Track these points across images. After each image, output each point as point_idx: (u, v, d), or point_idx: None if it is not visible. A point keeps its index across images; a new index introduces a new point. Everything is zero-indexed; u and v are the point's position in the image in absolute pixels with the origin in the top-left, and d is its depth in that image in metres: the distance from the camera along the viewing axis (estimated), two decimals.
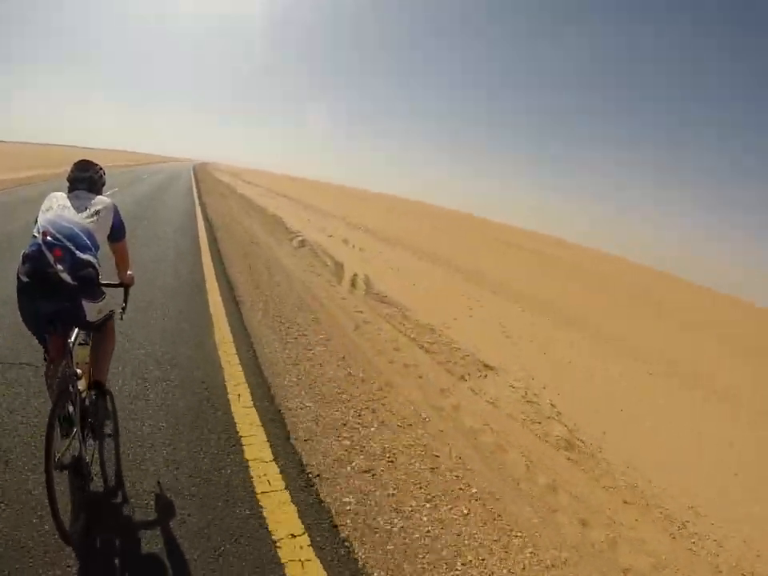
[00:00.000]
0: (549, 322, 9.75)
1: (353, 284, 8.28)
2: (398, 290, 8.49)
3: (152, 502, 2.35)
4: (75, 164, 2.53)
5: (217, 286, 6.44)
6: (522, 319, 9.13)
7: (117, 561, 2.02)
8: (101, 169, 2.60)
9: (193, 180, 32.77)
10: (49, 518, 1.94)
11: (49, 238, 2.06)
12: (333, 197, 50.90)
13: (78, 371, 2.35)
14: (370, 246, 14.40)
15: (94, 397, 2.50)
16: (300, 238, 12.48)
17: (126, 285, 2.69)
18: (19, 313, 2.14)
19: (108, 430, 2.81)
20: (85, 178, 2.48)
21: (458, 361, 5.38)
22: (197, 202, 18.31)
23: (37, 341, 2.28)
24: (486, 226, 61.36)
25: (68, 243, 2.09)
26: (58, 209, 2.25)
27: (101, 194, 2.51)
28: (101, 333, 2.51)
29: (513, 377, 5.38)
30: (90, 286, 2.17)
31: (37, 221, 2.20)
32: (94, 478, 2.37)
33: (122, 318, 2.72)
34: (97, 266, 2.20)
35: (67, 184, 2.49)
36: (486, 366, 5.44)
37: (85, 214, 2.27)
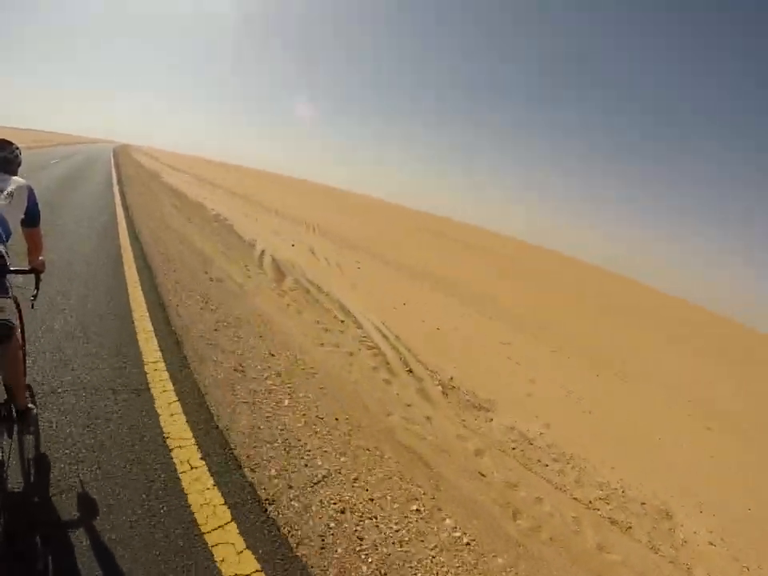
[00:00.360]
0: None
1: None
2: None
3: (74, 499, 2.27)
4: None
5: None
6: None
7: (39, 563, 1.95)
8: (17, 148, 2.44)
9: (112, 164, 27.86)
10: None
11: None
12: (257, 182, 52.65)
13: None
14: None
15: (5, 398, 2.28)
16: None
17: (37, 271, 2.47)
18: None
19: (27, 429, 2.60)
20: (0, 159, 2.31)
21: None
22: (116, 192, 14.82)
23: None
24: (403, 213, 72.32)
25: None
26: None
27: (16, 175, 2.36)
28: (6, 344, 2.14)
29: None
30: None
31: None
32: (9, 476, 2.22)
33: (32, 307, 2.54)
34: (6, 255, 2.04)
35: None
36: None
37: None
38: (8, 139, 2.42)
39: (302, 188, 73.13)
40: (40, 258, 2.54)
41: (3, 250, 2.03)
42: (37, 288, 2.53)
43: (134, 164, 33.89)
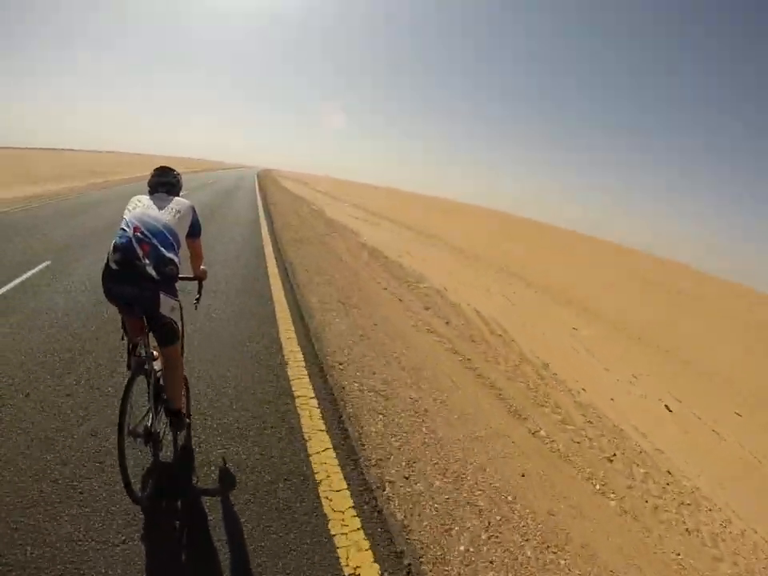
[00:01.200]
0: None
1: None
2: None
3: (215, 476, 2.64)
4: (155, 170, 2.76)
5: None
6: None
7: (177, 522, 2.32)
8: (178, 174, 2.82)
9: (258, 197, 23.48)
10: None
11: (139, 233, 2.29)
12: (448, 217, 43.32)
13: (154, 353, 2.60)
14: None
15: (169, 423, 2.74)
16: None
17: (200, 278, 2.93)
18: (103, 291, 2.36)
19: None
20: (164, 182, 2.69)
21: None
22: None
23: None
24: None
25: (155, 240, 2.31)
26: (143, 208, 2.46)
27: (178, 196, 2.73)
28: (168, 350, 2.56)
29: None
30: (170, 281, 2.39)
31: (124, 217, 2.42)
32: (163, 448, 2.66)
33: (196, 308, 3.00)
34: (177, 263, 2.40)
35: (147, 188, 2.70)
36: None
37: (167, 213, 2.48)
38: (169, 166, 2.82)
39: (465, 212, 65.13)
40: (202, 267, 2.96)
41: (176, 259, 2.37)
42: (199, 293, 2.97)
43: (279, 189, 32.77)
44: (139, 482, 2.36)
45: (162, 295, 2.35)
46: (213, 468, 2.69)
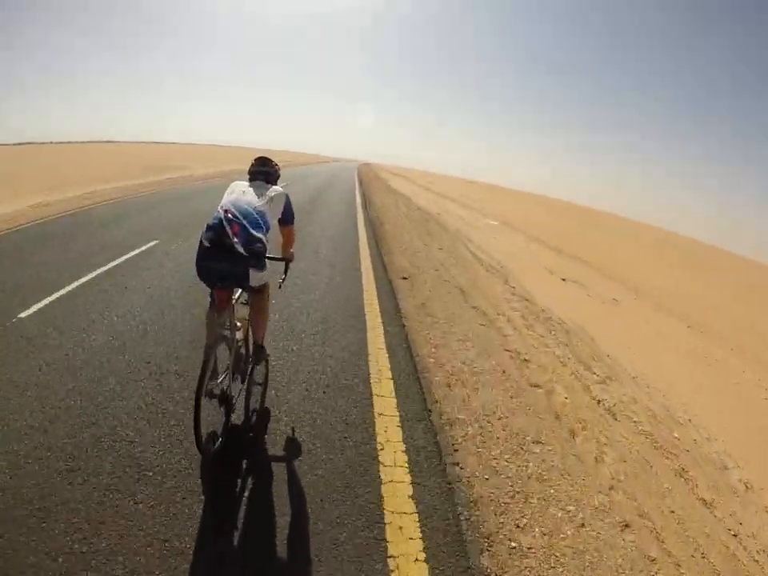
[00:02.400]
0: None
1: None
2: None
3: (282, 442, 2.85)
4: (255, 159, 3.01)
5: None
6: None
7: (238, 481, 2.50)
8: (276, 164, 3.07)
9: (358, 199, 18.12)
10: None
11: (229, 215, 2.51)
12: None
13: (237, 323, 2.88)
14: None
15: (250, 350, 3.15)
16: None
17: (287, 260, 3.17)
18: (196, 269, 2.61)
19: (260, 379, 3.42)
20: (263, 172, 2.95)
21: None
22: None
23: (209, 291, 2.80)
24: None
25: (244, 221, 2.52)
26: (239, 193, 2.71)
27: (275, 185, 2.96)
28: (259, 295, 3.02)
29: None
30: (258, 257, 2.60)
31: (222, 201, 2.68)
32: (236, 411, 2.91)
33: (280, 287, 3.24)
34: (265, 242, 2.62)
35: (247, 176, 2.99)
36: None
37: (261, 199, 2.70)
38: (268, 156, 3.07)
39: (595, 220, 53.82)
40: (291, 250, 3.22)
41: (263, 238, 2.59)
42: (285, 273, 3.23)
43: (383, 188, 26.05)
44: (209, 437, 2.58)
45: (251, 270, 2.60)
46: (281, 435, 2.88)
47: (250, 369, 3.19)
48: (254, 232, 2.53)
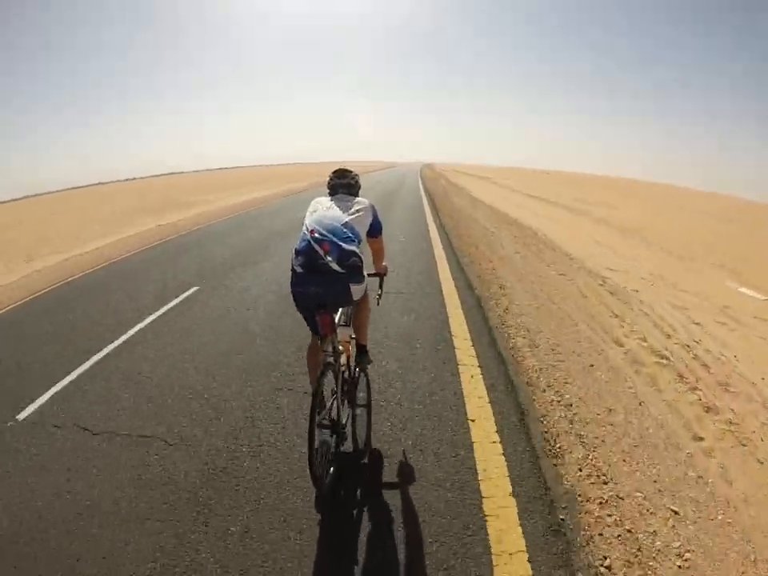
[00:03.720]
0: None
1: None
2: None
3: (394, 467, 2.73)
4: (334, 172, 2.86)
5: None
6: None
7: (354, 511, 2.43)
8: (356, 175, 2.90)
9: (433, 234, 10.48)
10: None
11: (316, 234, 2.39)
12: None
13: (340, 347, 2.74)
14: None
15: (354, 370, 3.03)
16: None
17: (381, 274, 3.06)
18: (292, 298, 2.53)
19: (362, 401, 3.33)
20: (344, 184, 2.79)
21: None
22: None
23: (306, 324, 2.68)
24: None
25: (334, 238, 2.39)
26: (323, 210, 2.57)
27: (358, 196, 2.81)
28: (360, 304, 2.84)
29: None
30: (356, 271, 2.45)
31: (304, 222, 2.54)
32: (347, 438, 2.82)
33: (378, 304, 3.08)
34: (360, 254, 2.47)
35: (327, 190, 2.83)
36: None
37: (347, 212, 2.57)
38: (347, 168, 2.91)
39: None
40: (383, 263, 3.09)
41: (357, 250, 2.45)
42: (381, 288, 3.11)
43: (467, 199, 18.65)
44: (322, 468, 2.49)
45: (351, 286, 2.47)
46: (394, 461, 2.76)
47: (356, 377, 3.11)
48: (345, 246, 2.40)
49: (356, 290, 2.52)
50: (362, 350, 2.98)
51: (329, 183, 2.84)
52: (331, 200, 2.69)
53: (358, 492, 2.54)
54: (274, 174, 53.34)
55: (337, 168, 2.91)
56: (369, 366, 3.33)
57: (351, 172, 2.88)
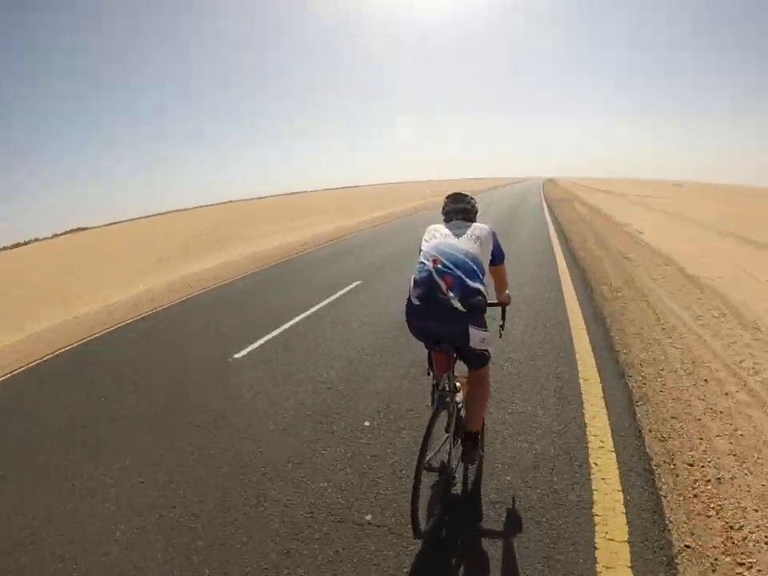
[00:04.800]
0: None
1: None
2: None
3: (503, 515, 2.47)
4: (448, 197, 2.71)
5: None
6: None
7: (454, 560, 2.23)
8: (472, 198, 2.72)
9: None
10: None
11: (439, 265, 2.25)
12: None
13: (457, 384, 2.57)
14: None
15: (462, 450, 2.68)
16: None
17: (504, 304, 2.84)
18: (407, 327, 2.41)
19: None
20: (460, 209, 2.62)
21: None
22: None
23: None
24: None
25: (458, 271, 2.23)
26: (442, 238, 2.42)
27: (475, 221, 2.62)
28: (478, 373, 2.53)
29: None
30: (478, 312, 2.28)
31: (421, 249, 2.43)
32: (456, 482, 2.66)
33: (500, 336, 2.90)
34: (485, 293, 2.29)
35: (443, 216, 2.68)
36: None
37: (468, 241, 2.38)
38: (464, 192, 2.73)
39: None
40: (506, 291, 2.86)
41: (482, 288, 2.26)
42: (503, 319, 2.87)
43: (645, 255, 9.08)
44: (425, 513, 2.35)
45: (471, 328, 2.27)
46: (502, 508, 2.51)
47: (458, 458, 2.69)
48: (470, 282, 2.23)
49: (475, 334, 2.30)
50: (472, 440, 2.55)
51: (443, 209, 2.71)
52: (448, 227, 2.53)
53: (459, 541, 2.33)
54: (396, 194, 54.16)
55: (452, 192, 2.78)
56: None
57: (467, 196, 2.71)
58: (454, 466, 2.52)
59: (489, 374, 2.59)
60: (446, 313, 2.21)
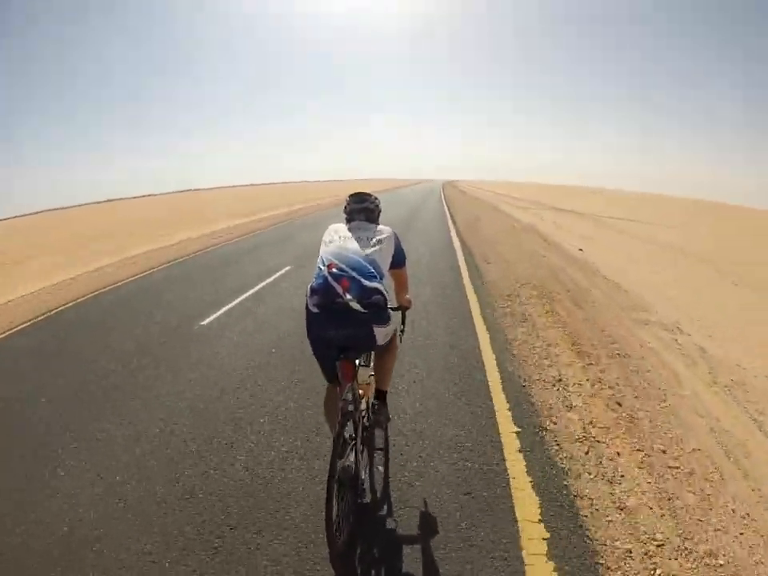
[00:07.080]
0: None
1: None
2: None
3: (415, 520, 2.47)
4: (351, 196, 2.63)
5: None
6: None
7: (372, 570, 2.21)
8: (376, 198, 2.65)
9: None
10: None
11: (334, 269, 2.19)
12: None
13: (360, 392, 2.51)
14: None
15: (372, 413, 2.74)
16: None
17: (404, 308, 2.73)
18: (309, 343, 2.32)
19: (380, 443, 3.06)
20: (362, 209, 2.55)
21: None
22: None
23: (320, 369, 2.46)
24: None
25: (354, 273, 2.19)
26: (340, 240, 2.35)
27: (378, 223, 2.57)
28: (387, 347, 2.56)
29: None
30: (379, 312, 2.25)
31: (320, 254, 2.34)
32: (365, 491, 2.60)
33: (400, 341, 2.75)
34: (384, 292, 2.26)
35: (344, 216, 2.60)
36: None
37: (368, 243, 2.33)
38: (366, 191, 2.66)
39: None
40: (406, 296, 2.76)
41: (380, 287, 2.24)
42: (403, 323, 2.77)
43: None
44: (339, 525, 2.29)
45: (375, 328, 2.24)
46: (413, 512, 2.51)
47: (380, 424, 2.83)
48: (367, 283, 2.18)
49: (380, 333, 2.28)
50: (382, 398, 2.68)
51: (345, 208, 2.62)
52: (349, 228, 2.46)
53: (375, 550, 2.29)
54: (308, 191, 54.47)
55: (355, 191, 2.69)
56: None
57: (371, 196, 2.64)
58: (361, 473, 2.45)
59: (395, 345, 2.65)
60: (347, 317, 2.17)
